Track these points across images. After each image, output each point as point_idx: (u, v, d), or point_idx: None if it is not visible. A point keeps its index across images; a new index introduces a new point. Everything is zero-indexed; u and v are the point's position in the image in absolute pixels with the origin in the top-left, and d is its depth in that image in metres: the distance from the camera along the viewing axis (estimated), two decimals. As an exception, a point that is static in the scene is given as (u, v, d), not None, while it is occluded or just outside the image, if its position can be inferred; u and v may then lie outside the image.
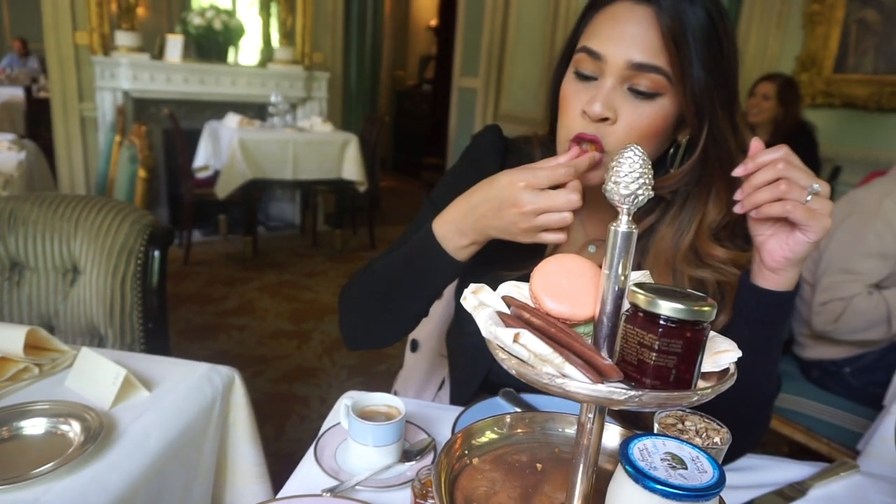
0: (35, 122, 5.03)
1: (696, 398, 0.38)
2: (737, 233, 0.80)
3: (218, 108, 4.15)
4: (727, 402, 0.48)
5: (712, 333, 0.44)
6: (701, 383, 0.41)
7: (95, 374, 0.86)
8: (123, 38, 3.81)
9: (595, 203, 0.89)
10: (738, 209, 0.65)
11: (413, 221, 0.92)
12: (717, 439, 0.55)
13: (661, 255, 0.80)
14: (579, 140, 0.73)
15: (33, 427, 0.78)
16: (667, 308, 0.37)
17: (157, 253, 1.23)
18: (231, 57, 4.39)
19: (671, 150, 0.79)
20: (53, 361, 0.91)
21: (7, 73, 6.61)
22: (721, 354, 0.42)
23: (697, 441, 0.54)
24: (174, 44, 3.99)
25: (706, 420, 0.57)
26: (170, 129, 3.81)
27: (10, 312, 1.20)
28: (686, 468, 0.39)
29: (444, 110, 6.03)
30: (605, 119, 0.72)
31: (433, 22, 7.45)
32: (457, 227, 0.75)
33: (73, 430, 0.76)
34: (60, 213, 1.22)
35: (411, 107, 7.49)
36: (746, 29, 3.50)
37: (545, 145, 0.91)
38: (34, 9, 4.01)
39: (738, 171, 0.63)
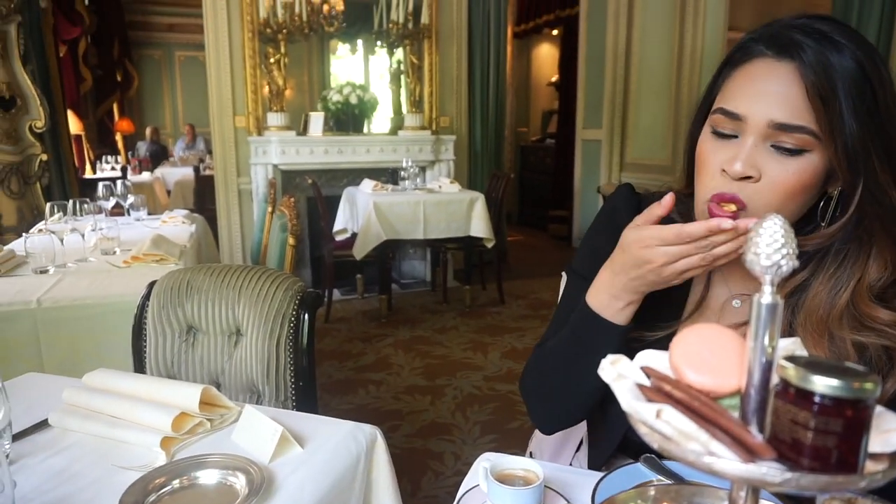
0: (202, 197, 5.71)
1: (863, 483, 0.35)
2: None
3: (354, 175, 4.47)
4: None
5: (880, 409, 0.41)
6: (870, 465, 0.38)
7: (257, 431, 0.94)
8: (274, 119, 4.27)
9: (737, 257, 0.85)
10: None
11: (561, 297, 0.95)
12: (895, 526, 0.49)
13: (813, 314, 0.74)
14: (719, 200, 0.71)
15: (207, 477, 0.86)
16: (822, 385, 0.35)
17: (306, 316, 1.34)
18: (365, 127, 4.75)
19: (822, 203, 0.74)
20: (222, 417, 1.01)
21: (180, 156, 7.61)
22: (891, 434, 0.39)
23: (871, 527, 0.49)
24: (316, 120, 4.39)
25: (880, 504, 0.51)
26: (312, 196, 4.16)
27: (186, 370, 1.36)
28: (858, 559, 0.36)
29: (567, 163, 6.04)
30: (747, 178, 0.69)
31: (554, 78, 7.57)
32: (608, 293, 0.78)
33: (240, 482, 0.84)
34: (226, 281, 1.37)
35: (535, 161, 7.58)
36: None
37: (681, 200, 0.90)
38: (202, 99, 4.64)
39: None
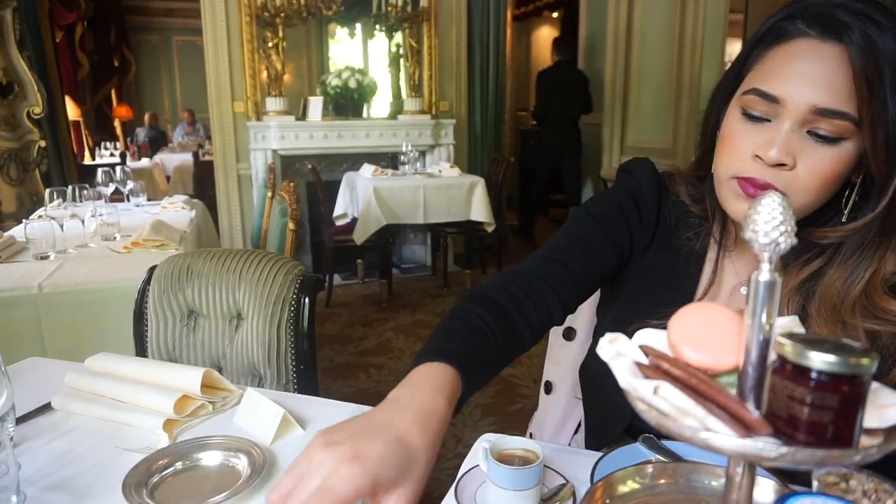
0: (201, 183, 5.70)
1: (858, 457, 0.36)
2: None
3: (354, 160, 4.46)
4: None
5: (876, 385, 0.41)
6: (865, 440, 0.38)
7: (258, 413, 0.95)
8: (272, 104, 4.25)
9: (745, 243, 0.85)
10: None
11: (563, 228, 0.90)
12: (889, 503, 0.50)
13: (826, 301, 0.73)
14: (752, 186, 0.69)
15: (209, 459, 0.87)
16: (818, 361, 0.35)
17: (306, 300, 1.34)
18: (365, 112, 4.72)
19: (846, 192, 0.73)
20: (224, 400, 1.02)
21: (179, 142, 7.58)
22: (887, 409, 0.39)
23: (865, 503, 0.50)
24: (315, 104, 4.37)
25: (875, 480, 0.52)
26: (312, 181, 4.16)
27: (188, 354, 1.36)
28: (852, 532, 0.37)
29: (568, 147, 5.99)
30: (781, 165, 0.67)
31: (554, 60, 7.50)
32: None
33: (242, 463, 0.85)
34: (227, 266, 1.37)
35: (536, 145, 7.54)
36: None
37: (690, 182, 0.89)
38: (201, 84, 4.61)
39: None
